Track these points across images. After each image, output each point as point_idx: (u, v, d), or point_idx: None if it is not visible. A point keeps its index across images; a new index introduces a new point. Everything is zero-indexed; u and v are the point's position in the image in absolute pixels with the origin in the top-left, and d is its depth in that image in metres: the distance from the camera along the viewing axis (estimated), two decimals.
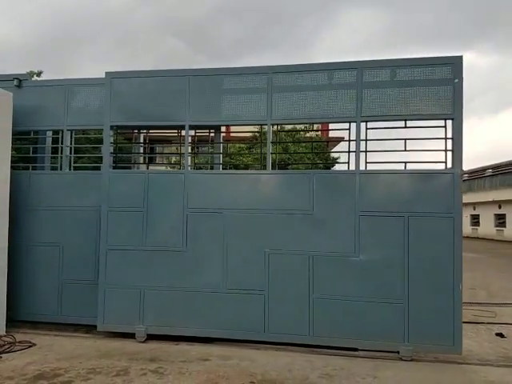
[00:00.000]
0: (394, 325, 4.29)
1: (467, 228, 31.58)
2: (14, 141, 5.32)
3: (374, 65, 4.52)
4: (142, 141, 6.04)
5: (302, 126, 11.15)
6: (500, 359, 4.32)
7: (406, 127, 4.51)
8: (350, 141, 4.65)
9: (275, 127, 5.16)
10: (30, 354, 4.21)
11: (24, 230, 5.38)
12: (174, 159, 11.80)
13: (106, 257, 4.89)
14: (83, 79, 5.54)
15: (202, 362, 4.05)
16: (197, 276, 4.73)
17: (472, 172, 32.16)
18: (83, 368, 3.83)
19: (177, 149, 6.77)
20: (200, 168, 6.32)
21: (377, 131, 4.61)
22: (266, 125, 4.83)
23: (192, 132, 5.27)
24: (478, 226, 31.86)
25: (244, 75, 4.86)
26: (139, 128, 5.68)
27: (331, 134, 17.25)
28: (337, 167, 12.51)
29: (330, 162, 13.85)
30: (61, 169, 5.50)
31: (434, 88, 4.39)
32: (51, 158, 5.91)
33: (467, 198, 28.97)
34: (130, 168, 5.87)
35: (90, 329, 5.10)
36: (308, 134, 15.31)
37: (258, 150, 12.70)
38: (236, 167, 9.71)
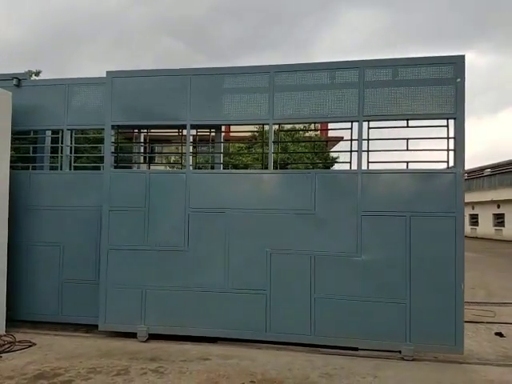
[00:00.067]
0: (395, 324, 4.29)
1: (466, 227, 31.27)
2: (13, 140, 5.30)
3: (376, 64, 4.51)
4: (142, 140, 6.03)
5: (302, 126, 11.13)
6: (499, 358, 4.34)
7: (407, 127, 4.51)
8: (351, 140, 4.65)
9: (277, 127, 5.15)
10: (30, 354, 4.20)
11: (24, 229, 5.36)
12: (173, 159, 11.79)
13: (108, 256, 4.88)
14: (83, 78, 5.52)
15: (203, 361, 4.06)
16: (199, 276, 4.72)
17: (471, 172, 32.18)
18: (83, 367, 3.82)
19: (177, 148, 6.76)
20: (200, 168, 6.30)
21: (378, 131, 4.61)
22: (267, 124, 4.82)
23: (193, 131, 5.25)
24: (477, 225, 31.93)
25: (246, 74, 4.85)
26: (140, 127, 5.66)
27: (330, 133, 17.22)
28: (336, 167, 12.53)
29: (330, 162, 13.84)
30: (61, 168, 5.48)
31: (436, 87, 4.38)
32: (50, 157, 5.89)
33: (466, 197, 28.54)
34: (130, 168, 5.85)
35: (90, 328, 5.09)
36: (307, 134, 15.29)
37: (258, 150, 12.82)
38: (235, 167, 9.69)
